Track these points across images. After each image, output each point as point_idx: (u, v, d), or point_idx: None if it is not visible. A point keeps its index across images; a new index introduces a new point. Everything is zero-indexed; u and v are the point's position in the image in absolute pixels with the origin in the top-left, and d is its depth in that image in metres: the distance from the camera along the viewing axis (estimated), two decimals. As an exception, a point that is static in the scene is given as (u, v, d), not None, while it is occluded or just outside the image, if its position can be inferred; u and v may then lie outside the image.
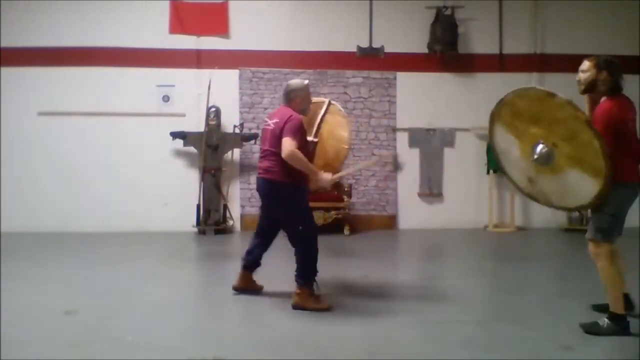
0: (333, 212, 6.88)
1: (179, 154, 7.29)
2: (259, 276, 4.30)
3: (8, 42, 7.04)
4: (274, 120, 3.89)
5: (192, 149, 7.15)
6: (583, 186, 3.31)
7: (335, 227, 6.88)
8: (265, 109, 7.23)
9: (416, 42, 7.38)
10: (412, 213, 7.51)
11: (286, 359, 3.10)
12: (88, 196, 7.14)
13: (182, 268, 5.36)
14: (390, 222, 7.52)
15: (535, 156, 3.44)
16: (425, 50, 7.36)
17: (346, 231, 6.96)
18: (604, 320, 3.37)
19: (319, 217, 6.80)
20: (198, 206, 7.03)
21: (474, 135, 7.48)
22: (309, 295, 3.89)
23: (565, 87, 3.80)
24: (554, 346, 3.23)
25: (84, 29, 7.13)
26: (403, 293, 4.41)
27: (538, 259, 5.86)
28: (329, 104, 4.32)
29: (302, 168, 3.77)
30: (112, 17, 7.16)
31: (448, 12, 7.29)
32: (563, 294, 4.29)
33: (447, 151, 7.56)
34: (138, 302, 4.16)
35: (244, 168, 7.39)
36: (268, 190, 3.94)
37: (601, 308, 3.55)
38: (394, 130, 7.52)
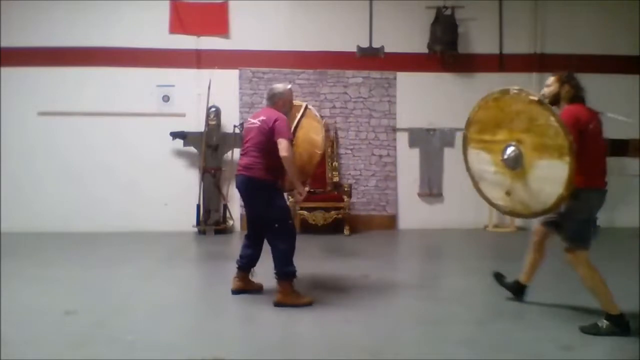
0: (333, 212, 6.89)
1: (179, 154, 7.29)
2: (259, 275, 4.30)
3: (8, 42, 7.03)
4: (260, 119, 4.01)
5: (192, 149, 7.16)
6: (556, 174, 3.21)
7: (335, 227, 6.89)
8: (265, 109, 7.24)
9: (416, 42, 7.38)
10: (412, 213, 7.51)
11: (286, 359, 3.09)
12: (88, 196, 7.14)
13: (182, 268, 5.36)
14: (390, 222, 7.52)
15: (505, 156, 3.48)
16: (425, 50, 7.36)
17: (346, 231, 6.95)
18: (602, 322, 3.38)
19: (319, 217, 6.82)
20: (198, 206, 7.03)
21: (474, 135, 7.47)
22: (291, 291, 3.97)
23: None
24: (554, 346, 3.23)
25: (84, 29, 7.13)
26: (403, 293, 4.42)
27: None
28: (306, 108, 4.42)
29: (292, 172, 3.90)
30: (112, 17, 7.16)
31: (448, 12, 7.29)
32: (563, 293, 4.29)
33: (447, 151, 7.55)
34: (138, 302, 4.15)
35: (244, 168, 7.39)
36: (246, 187, 4.05)
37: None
38: (394, 130, 7.53)
